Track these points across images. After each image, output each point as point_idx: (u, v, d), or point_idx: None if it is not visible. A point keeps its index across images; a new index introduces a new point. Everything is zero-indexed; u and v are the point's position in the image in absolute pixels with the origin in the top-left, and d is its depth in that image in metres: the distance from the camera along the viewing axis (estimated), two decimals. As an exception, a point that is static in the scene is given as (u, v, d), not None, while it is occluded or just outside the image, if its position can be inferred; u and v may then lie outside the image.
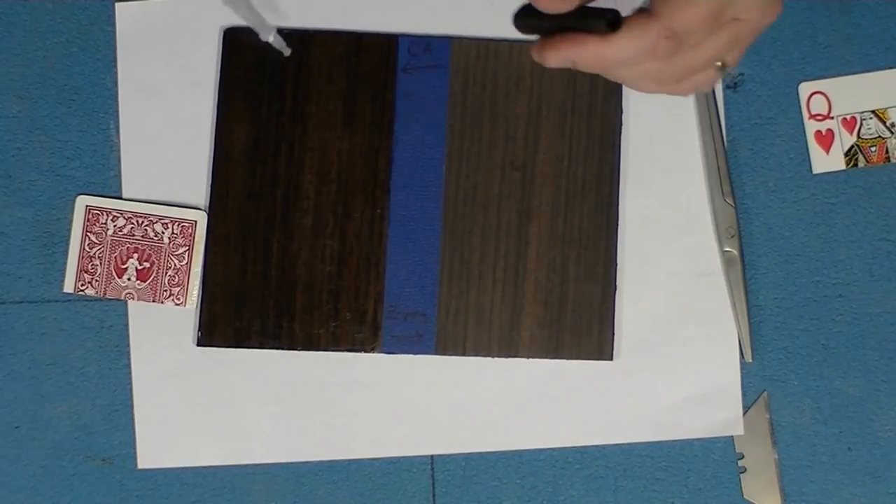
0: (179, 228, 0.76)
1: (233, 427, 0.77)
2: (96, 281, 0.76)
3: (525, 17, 0.60)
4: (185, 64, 0.78)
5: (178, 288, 0.76)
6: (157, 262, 0.76)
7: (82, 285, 0.76)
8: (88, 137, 0.78)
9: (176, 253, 0.76)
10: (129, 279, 0.76)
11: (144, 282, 0.76)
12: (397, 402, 0.77)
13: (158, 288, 0.76)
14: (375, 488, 0.77)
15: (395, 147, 0.77)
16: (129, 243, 0.77)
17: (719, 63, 0.61)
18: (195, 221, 0.76)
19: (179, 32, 0.78)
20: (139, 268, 0.77)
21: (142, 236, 0.77)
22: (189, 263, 0.76)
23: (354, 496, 0.77)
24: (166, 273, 0.76)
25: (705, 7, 0.57)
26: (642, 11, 0.59)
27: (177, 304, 0.76)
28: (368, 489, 0.77)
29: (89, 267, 0.76)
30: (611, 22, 0.58)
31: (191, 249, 0.76)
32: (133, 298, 0.77)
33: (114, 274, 0.76)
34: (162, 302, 0.76)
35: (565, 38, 0.59)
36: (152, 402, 0.77)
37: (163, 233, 0.76)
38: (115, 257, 0.77)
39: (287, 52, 0.76)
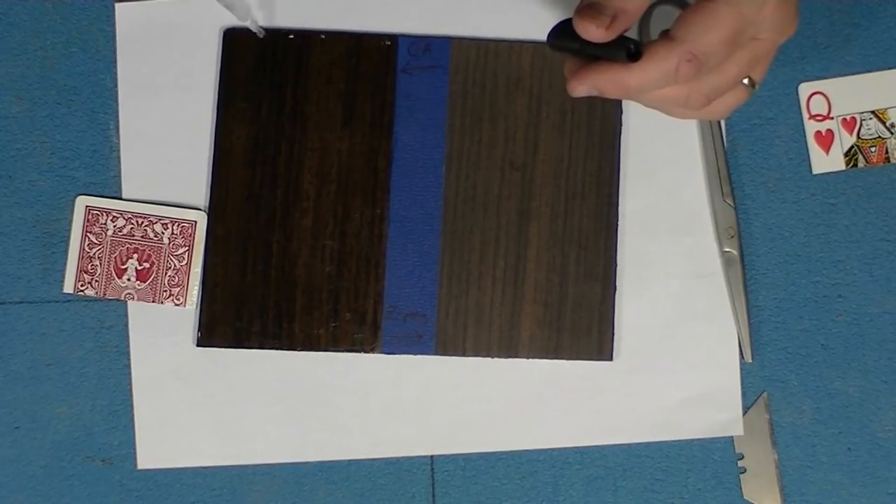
0: (179, 229, 0.76)
1: (233, 427, 0.77)
2: (96, 281, 0.76)
3: (559, 38, 0.62)
4: (185, 64, 0.78)
5: (178, 288, 0.76)
6: (156, 262, 0.76)
7: (82, 285, 0.77)
8: (88, 137, 0.78)
9: (176, 253, 0.76)
10: (128, 279, 0.77)
11: (144, 282, 0.76)
12: (397, 402, 0.77)
13: (158, 288, 0.76)
14: (375, 488, 0.77)
15: (394, 147, 0.77)
16: (129, 244, 0.77)
17: (746, 80, 0.63)
18: (195, 222, 0.76)
19: (179, 32, 0.78)
20: (139, 268, 0.77)
21: (142, 236, 0.77)
22: (189, 264, 0.76)
23: (354, 496, 0.77)
24: (166, 273, 0.76)
25: (725, 29, 0.59)
26: (664, 36, 0.60)
27: (177, 305, 0.76)
28: (368, 489, 0.77)
29: (89, 267, 0.76)
30: (631, 53, 0.59)
31: (191, 249, 0.76)
32: (133, 299, 0.77)
33: (113, 274, 0.76)
34: (162, 302, 0.76)
35: (590, 67, 0.61)
36: (152, 402, 0.77)
37: (163, 233, 0.76)
38: (115, 258, 0.77)
39: (262, 34, 0.76)
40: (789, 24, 0.62)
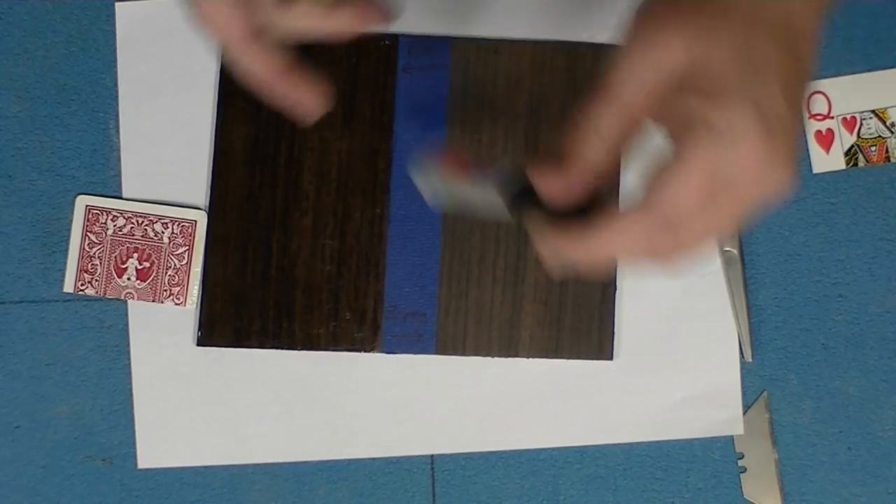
0: (179, 228, 0.76)
1: (233, 427, 0.77)
2: (96, 281, 0.76)
3: (519, 202, 0.56)
4: (185, 64, 0.78)
5: (178, 288, 0.76)
6: (156, 261, 0.76)
7: (82, 285, 0.77)
8: (88, 137, 0.78)
9: (176, 253, 0.76)
10: (128, 279, 0.77)
11: (144, 281, 0.76)
12: (397, 402, 0.77)
13: (158, 288, 0.76)
14: (375, 488, 0.77)
15: (394, 147, 0.77)
16: (129, 243, 0.77)
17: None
18: (195, 221, 0.76)
19: (179, 32, 0.78)
20: (139, 267, 0.77)
21: (142, 236, 0.77)
22: (189, 263, 0.76)
23: (354, 496, 0.77)
24: (166, 273, 0.76)
25: (695, 189, 0.52)
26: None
27: (176, 304, 0.76)
28: (368, 489, 0.77)
29: (89, 267, 0.76)
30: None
31: (191, 249, 0.76)
32: (133, 298, 0.77)
33: (114, 274, 0.76)
34: (162, 302, 0.76)
35: (557, 231, 0.55)
36: (152, 402, 0.77)
37: (163, 232, 0.76)
38: (115, 257, 0.77)
39: None
40: (775, 171, 0.51)
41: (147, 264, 0.77)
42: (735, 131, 0.51)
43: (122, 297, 0.77)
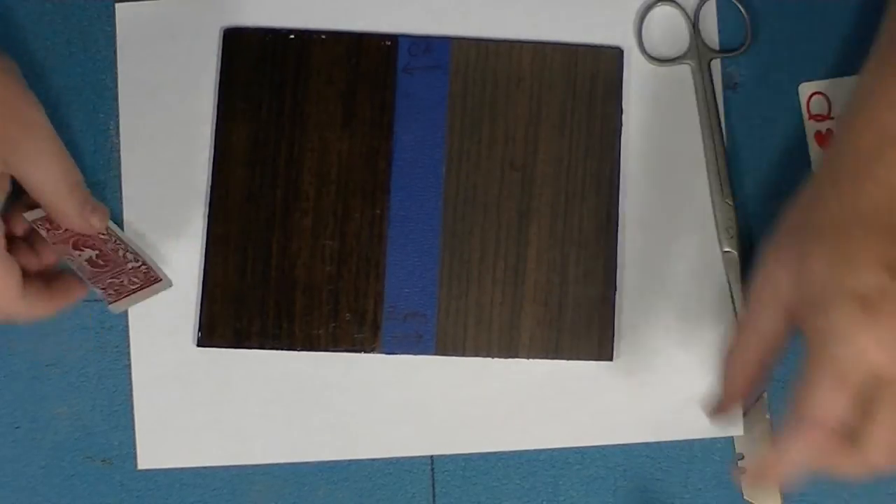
0: (144, 270, 0.75)
1: (233, 427, 0.77)
2: (55, 232, 0.72)
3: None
4: (185, 64, 0.78)
5: (116, 289, 0.74)
6: (112, 269, 0.74)
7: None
8: (88, 137, 0.78)
9: (134, 274, 0.74)
10: (80, 256, 0.73)
11: (92, 268, 0.73)
12: (397, 402, 0.77)
13: (100, 278, 0.73)
14: (375, 488, 0.77)
15: (394, 147, 0.77)
16: (100, 247, 0.74)
17: None
18: (160, 280, 0.75)
19: (179, 32, 0.78)
20: (94, 259, 0.73)
21: (111, 250, 0.74)
22: (132, 294, 0.74)
23: (354, 496, 0.77)
24: (110, 275, 0.73)
25: (828, 379, 0.58)
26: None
27: (104, 298, 0.73)
28: (368, 489, 0.77)
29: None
30: None
31: (140, 290, 0.74)
32: (72, 264, 0.72)
33: (70, 246, 0.73)
34: (96, 286, 0.73)
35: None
36: (152, 402, 0.77)
37: (132, 260, 0.74)
38: (81, 241, 0.73)
39: None
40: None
41: (101, 263, 0.73)
42: (840, 329, 0.58)
43: (63, 260, 0.73)
